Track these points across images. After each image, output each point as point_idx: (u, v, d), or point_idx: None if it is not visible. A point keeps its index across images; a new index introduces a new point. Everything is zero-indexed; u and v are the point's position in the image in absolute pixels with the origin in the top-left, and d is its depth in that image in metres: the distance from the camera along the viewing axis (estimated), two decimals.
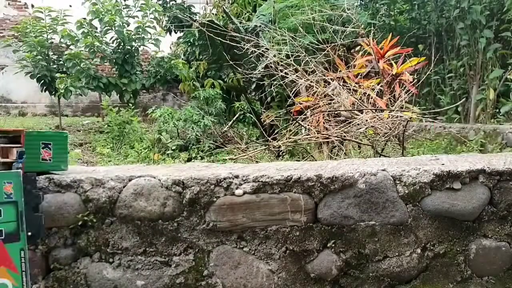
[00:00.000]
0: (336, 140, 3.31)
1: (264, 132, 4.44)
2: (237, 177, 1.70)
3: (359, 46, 4.68)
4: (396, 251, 1.73)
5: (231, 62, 4.72)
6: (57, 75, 6.23)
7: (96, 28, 6.45)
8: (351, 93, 3.58)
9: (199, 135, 5.37)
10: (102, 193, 1.67)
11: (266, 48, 4.03)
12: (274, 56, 3.84)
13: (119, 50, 6.51)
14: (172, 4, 8.84)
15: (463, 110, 6.39)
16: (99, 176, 1.70)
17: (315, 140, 3.47)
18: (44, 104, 9.99)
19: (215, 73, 7.21)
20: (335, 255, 1.71)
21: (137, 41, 6.55)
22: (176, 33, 8.74)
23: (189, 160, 4.77)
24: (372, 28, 4.55)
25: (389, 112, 3.34)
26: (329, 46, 4.00)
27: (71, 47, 6.56)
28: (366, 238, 1.71)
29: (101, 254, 1.70)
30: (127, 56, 6.53)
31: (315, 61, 3.84)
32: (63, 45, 6.69)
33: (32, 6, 9.08)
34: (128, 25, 6.52)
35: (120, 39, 6.39)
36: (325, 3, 4.79)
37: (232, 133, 5.28)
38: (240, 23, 5.60)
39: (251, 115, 5.78)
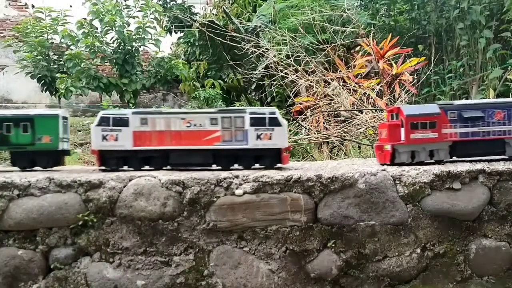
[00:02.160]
0: (336, 140, 3.31)
1: None
2: (237, 177, 1.70)
3: (359, 46, 4.68)
4: (396, 251, 1.73)
5: (231, 62, 4.73)
6: (58, 75, 6.23)
7: (97, 28, 6.45)
8: (351, 93, 3.58)
9: None
10: (102, 193, 1.67)
11: (266, 48, 4.03)
12: (274, 56, 3.85)
13: (120, 50, 6.50)
14: (173, 4, 8.85)
15: None
16: (99, 176, 1.70)
17: (315, 140, 3.48)
18: (45, 104, 9.98)
19: (215, 73, 7.20)
20: (335, 255, 1.72)
21: (137, 41, 6.54)
22: (176, 33, 8.74)
23: None
24: (372, 28, 4.55)
25: None
26: (329, 46, 4.01)
27: (72, 47, 6.55)
28: (366, 238, 1.72)
29: (101, 254, 1.70)
30: (128, 56, 6.53)
31: (315, 61, 3.84)
32: (64, 45, 6.68)
33: (33, 6, 9.08)
34: (129, 25, 6.52)
35: (120, 39, 6.39)
36: (325, 4, 4.80)
37: None
38: (240, 23, 5.60)
39: None
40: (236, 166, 1.81)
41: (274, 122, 1.76)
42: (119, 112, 1.77)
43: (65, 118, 1.88)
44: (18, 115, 1.81)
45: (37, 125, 1.80)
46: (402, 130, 1.75)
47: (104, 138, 1.74)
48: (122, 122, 1.74)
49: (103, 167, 1.81)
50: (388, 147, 1.78)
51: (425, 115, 1.75)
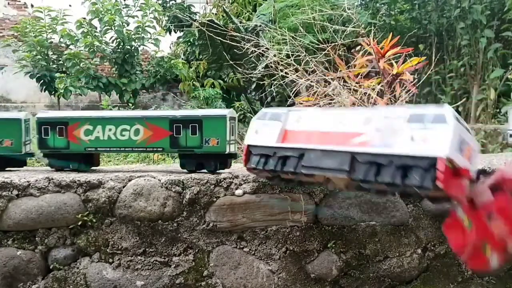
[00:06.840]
0: None
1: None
2: (237, 177, 1.69)
3: (360, 46, 4.67)
4: (396, 251, 1.72)
5: (231, 62, 4.71)
6: (57, 75, 6.22)
7: (96, 28, 6.44)
8: (351, 93, 3.57)
9: None
10: (102, 193, 1.66)
11: (266, 48, 4.02)
12: (274, 55, 3.83)
13: (119, 50, 6.50)
14: (172, 3, 8.84)
15: (463, 110, 6.39)
16: (98, 176, 1.69)
17: None
18: (44, 104, 9.97)
19: (215, 72, 7.19)
20: (336, 255, 1.71)
21: (136, 40, 6.54)
22: (176, 32, 8.73)
23: None
24: (373, 27, 4.54)
25: None
26: (330, 45, 4.00)
27: (71, 46, 6.55)
28: (366, 239, 1.71)
29: (100, 254, 1.69)
30: (127, 55, 6.52)
31: (316, 61, 3.83)
32: (63, 44, 6.67)
33: (32, 5, 9.07)
34: (128, 24, 6.51)
35: (119, 39, 6.38)
36: (326, 3, 4.79)
37: None
38: (240, 22, 5.59)
39: (251, 115, 5.77)
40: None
41: (438, 119, 1.12)
42: (277, 109, 1.56)
43: (232, 118, 1.72)
44: (187, 116, 1.69)
45: (205, 126, 1.68)
46: None
47: (256, 132, 1.54)
48: (276, 117, 1.51)
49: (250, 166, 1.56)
50: None
51: None
